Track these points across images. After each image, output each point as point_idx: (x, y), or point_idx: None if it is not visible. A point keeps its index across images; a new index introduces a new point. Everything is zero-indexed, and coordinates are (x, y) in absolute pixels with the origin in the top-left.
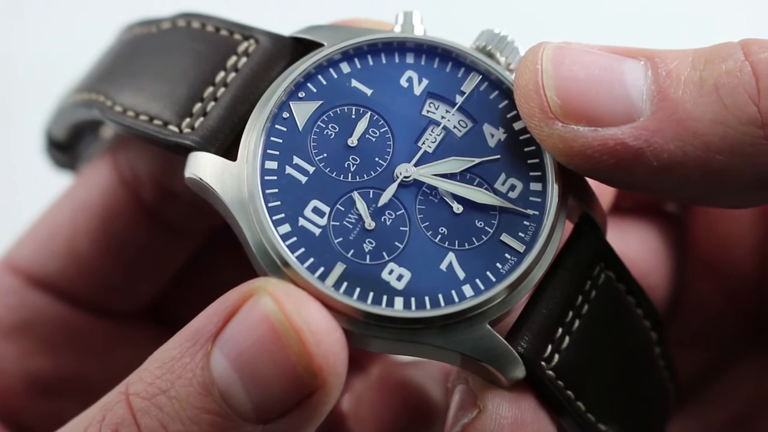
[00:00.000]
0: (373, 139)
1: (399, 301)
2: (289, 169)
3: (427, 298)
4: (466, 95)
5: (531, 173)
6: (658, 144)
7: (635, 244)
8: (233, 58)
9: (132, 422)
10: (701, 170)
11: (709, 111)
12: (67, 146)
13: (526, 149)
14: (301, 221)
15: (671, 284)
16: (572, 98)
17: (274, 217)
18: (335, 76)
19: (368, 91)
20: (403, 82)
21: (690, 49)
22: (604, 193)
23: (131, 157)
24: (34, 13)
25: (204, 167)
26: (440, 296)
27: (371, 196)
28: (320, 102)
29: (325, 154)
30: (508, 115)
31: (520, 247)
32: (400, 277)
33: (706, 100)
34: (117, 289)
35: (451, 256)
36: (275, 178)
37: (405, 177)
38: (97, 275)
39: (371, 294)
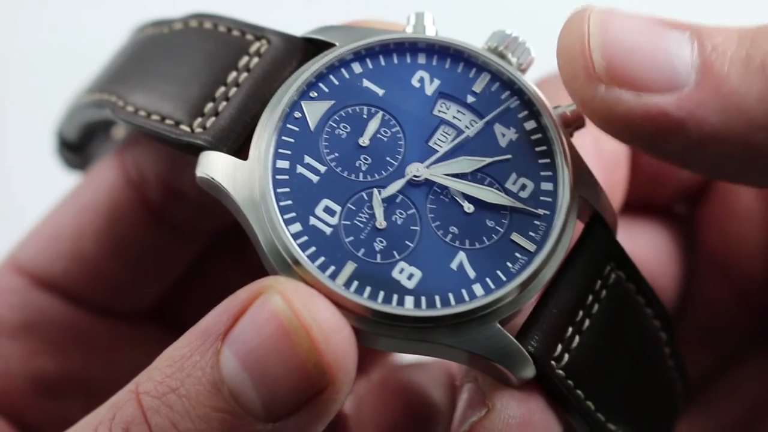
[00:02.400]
0: (385, 139)
1: (409, 300)
2: (300, 169)
3: (437, 297)
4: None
5: (542, 173)
6: (701, 116)
7: (644, 246)
8: (245, 58)
9: (142, 420)
10: (742, 146)
11: (755, 88)
12: (78, 147)
13: (537, 149)
14: (312, 220)
15: (680, 285)
16: (618, 62)
17: (285, 216)
18: (347, 76)
19: (380, 91)
20: (415, 82)
21: (734, 27)
22: (614, 193)
23: (138, 157)
24: (39, 12)
25: (215, 167)
26: (450, 295)
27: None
28: (332, 102)
29: (336, 154)
30: (520, 115)
31: (530, 247)
32: (410, 276)
33: (752, 77)
34: (122, 289)
35: (461, 256)
36: (287, 177)
37: (415, 176)
38: (102, 275)
39: (381, 293)
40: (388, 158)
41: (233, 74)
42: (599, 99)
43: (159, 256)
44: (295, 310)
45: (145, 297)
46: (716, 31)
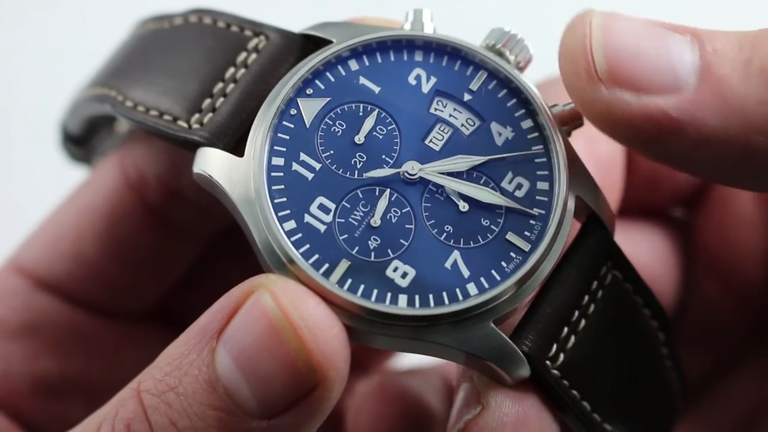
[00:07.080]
0: (380, 137)
1: (403, 299)
2: (295, 166)
3: (431, 296)
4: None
5: (538, 172)
6: (700, 118)
7: (642, 250)
8: (243, 54)
9: (143, 418)
10: (741, 149)
11: (755, 92)
12: (82, 140)
13: (533, 148)
14: (307, 218)
15: (678, 289)
16: (619, 63)
17: (280, 214)
18: (343, 74)
19: (376, 89)
20: (411, 80)
21: (734, 31)
22: (609, 195)
23: (138, 158)
24: (42, 7)
25: (212, 163)
26: (444, 294)
27: (377, 193)
28: (328, 99)
29: (331, 151)
30: (516, 114)
31: (525, 246)
32: (404, 275)
33: (752, 80)
34: (123, 290)
35: (456, 255)
36: (282, 174)
37: (410, 174)
38: (102, 277)
39: (375, 291)
40: (383, 156)
41: (231, 70)
42: (600, 99)
43: (160, 257)
44: (283, 308)
45: (147, 298)
46: (717, 35)
